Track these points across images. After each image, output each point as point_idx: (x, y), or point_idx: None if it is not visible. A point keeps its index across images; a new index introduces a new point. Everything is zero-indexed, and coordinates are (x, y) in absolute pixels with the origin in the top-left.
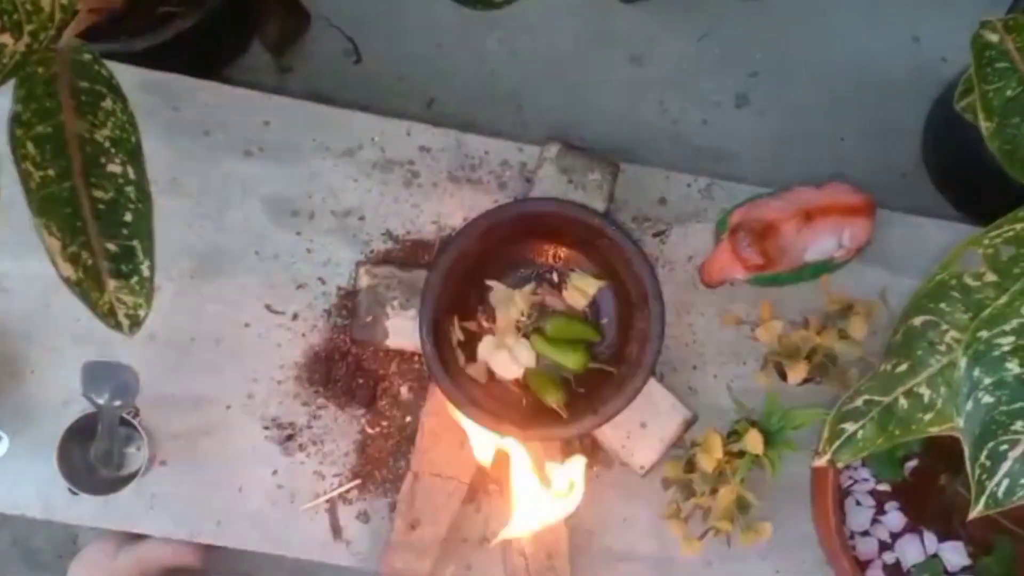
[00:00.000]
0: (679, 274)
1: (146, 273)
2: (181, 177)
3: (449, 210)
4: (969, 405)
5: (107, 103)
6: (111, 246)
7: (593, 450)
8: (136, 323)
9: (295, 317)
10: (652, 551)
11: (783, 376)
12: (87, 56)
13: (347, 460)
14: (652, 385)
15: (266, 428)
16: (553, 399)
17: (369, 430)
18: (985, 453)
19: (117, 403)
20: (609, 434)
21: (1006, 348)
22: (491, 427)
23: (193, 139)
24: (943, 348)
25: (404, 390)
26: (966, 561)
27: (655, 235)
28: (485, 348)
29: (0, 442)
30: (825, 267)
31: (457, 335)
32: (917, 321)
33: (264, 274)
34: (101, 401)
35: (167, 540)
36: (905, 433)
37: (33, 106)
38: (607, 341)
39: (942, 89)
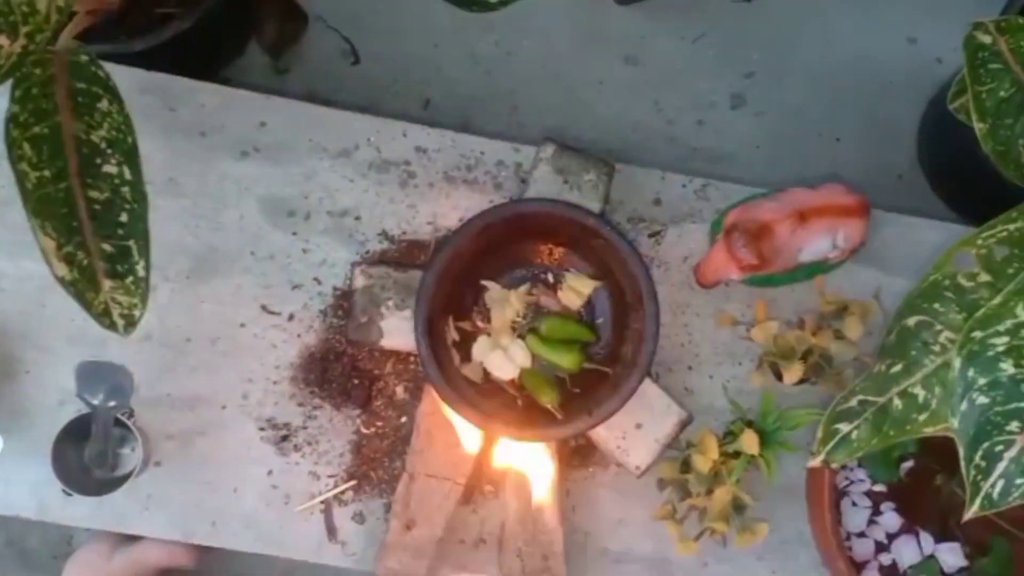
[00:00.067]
0: (674, 274)
1: (141, 273)
2: (177, 177)
3: (445, 210)
4: (963, 406)
5: (103, 104)
6: (107, 246)
7: (588, 451)
8: (131, 323)
9: (291, 317)
10: (648, 552)
11: (779, 376)
12: (84, 57)
13: (342, 461)
14: (647, 385)
15: (261, 429)
16: (548, 399)
17: (364, 430)
18: (980, 454)
19: (111, 404)
20: (604, 434)
21: (1000, 348)
22: (486, 427)
23: (189, 140)
24: (937, 348)
25: (400, 390)
26: (963, 562)
27: (650, 235)
28: (480, 348)
29: None
30: (820, 268)
31: (452, 335)
32: (911, 321)
33: (260, 274)
34: (96, 402)
35: (161, 541)
36: (900, 433)
37: (30, 107)
38: (602, 341)
39: (937, 90)
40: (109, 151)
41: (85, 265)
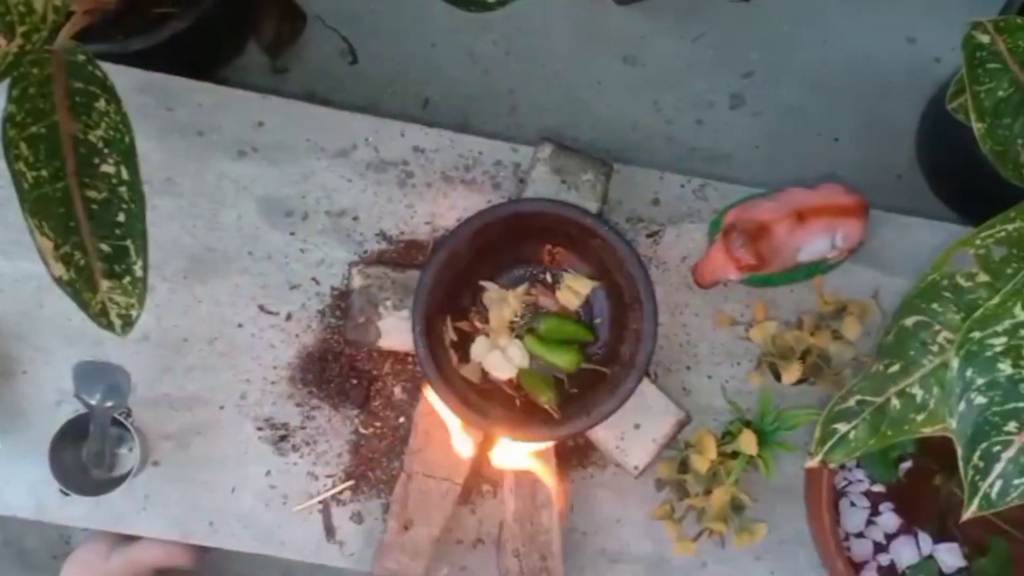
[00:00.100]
0: (672, 274)
1: (139, 273)
2: (175, 177)
3: (443, 210)
4: (962, 406)
5: (101, 104)
6: (104, 246)
7: (586, 451)
8: (129, 323)
9: (288, 317)
10: (646, 552)
11: (777, 376)
12: (81, 57)
13: (340, 461)
14: (645, 386)
15: (259, 429)
16: (546, 399)
17: (362, 431)
18: (978, 454)
19: (109, 404)
20: (602, 435)
21: (998, 349)
22: (484, 428)
23: (187, 139)
24: (935, 348)
25: (398, 391)
26: (961, 562)
27: (648, 235)
28: (478, 348)
29: None
30: (818, 268)
31: (450, 335)
32: (909, 321)
33: (258, 274)
34: (93, 402)
35: (159, 541)
36: (898, 434)
37: (27, 106)
38: (600, 341)
39: (936, 90)
40: (106, 151)
41: (82, 265)
